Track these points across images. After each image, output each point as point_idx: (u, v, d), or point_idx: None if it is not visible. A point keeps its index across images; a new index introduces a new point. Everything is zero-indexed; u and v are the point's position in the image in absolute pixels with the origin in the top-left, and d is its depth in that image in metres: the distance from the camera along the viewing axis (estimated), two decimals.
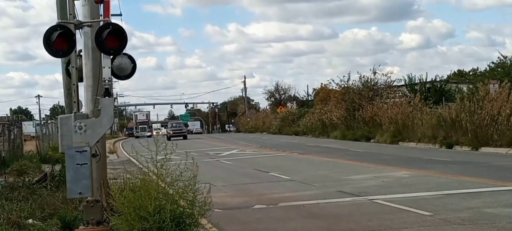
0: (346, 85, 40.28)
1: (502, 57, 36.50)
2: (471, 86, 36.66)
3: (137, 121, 76.98)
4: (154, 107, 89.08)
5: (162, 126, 75.79)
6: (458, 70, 52.45)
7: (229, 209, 12.18)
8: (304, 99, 69.18)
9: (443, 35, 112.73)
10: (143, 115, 78.68)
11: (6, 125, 25.10)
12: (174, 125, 64.44)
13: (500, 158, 21.14)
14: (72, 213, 10.29)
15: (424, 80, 40.16)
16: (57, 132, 11.60)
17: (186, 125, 69.61)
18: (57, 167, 16.50)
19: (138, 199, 8.61)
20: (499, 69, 35.77)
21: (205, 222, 9.24)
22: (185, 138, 57.02)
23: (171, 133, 57.43)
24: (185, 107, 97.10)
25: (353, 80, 39.63)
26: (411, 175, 16.62)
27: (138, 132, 69.94)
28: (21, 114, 61.61)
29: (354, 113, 37.70)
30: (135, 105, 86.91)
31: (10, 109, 60.62)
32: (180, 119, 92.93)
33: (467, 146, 25.18)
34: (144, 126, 73.98)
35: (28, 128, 40.60)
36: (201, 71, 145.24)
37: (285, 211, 11.76)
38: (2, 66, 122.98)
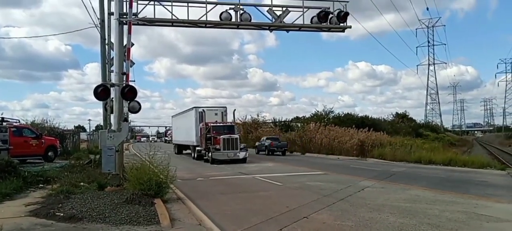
0: (245, 121, 69.82)
1: (317, 111, 68.29)
2: (301, 124, 62.86)
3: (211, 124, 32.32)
4: (149, 128, 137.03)
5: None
6: (296, 116, 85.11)
7: (184, 180, 18.78)
8: None
9: (290, 99, 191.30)
10: (215, 113, 35.66)
11: (71, 133, 39.46)
12: None
13: (314, 158, 35.32)
14: (104, 180, 13.56)
15: (281, 120, 72.99)
16: (98, 138, 14.17)
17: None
18: (97, 156, 19.83)
19: (139, 173, 12.11)
20: (315, 117, 66.72)
21: (173, 186, 13.64)
22: None
23: None
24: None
25: (248, 119, 71.20)
26: (274, 165, 28.29)
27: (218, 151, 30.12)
28: (79, 128, 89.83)
29: (248, 135, 63.73)
30: (140, 126, 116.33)
31: (74, 126, 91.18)
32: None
33: (299, 153, 44.34)
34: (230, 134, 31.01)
35: (83, 136, 58.19)
36: (173, 112, 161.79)
37: (213, 181, 18.74)
38: (70, 103, 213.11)
